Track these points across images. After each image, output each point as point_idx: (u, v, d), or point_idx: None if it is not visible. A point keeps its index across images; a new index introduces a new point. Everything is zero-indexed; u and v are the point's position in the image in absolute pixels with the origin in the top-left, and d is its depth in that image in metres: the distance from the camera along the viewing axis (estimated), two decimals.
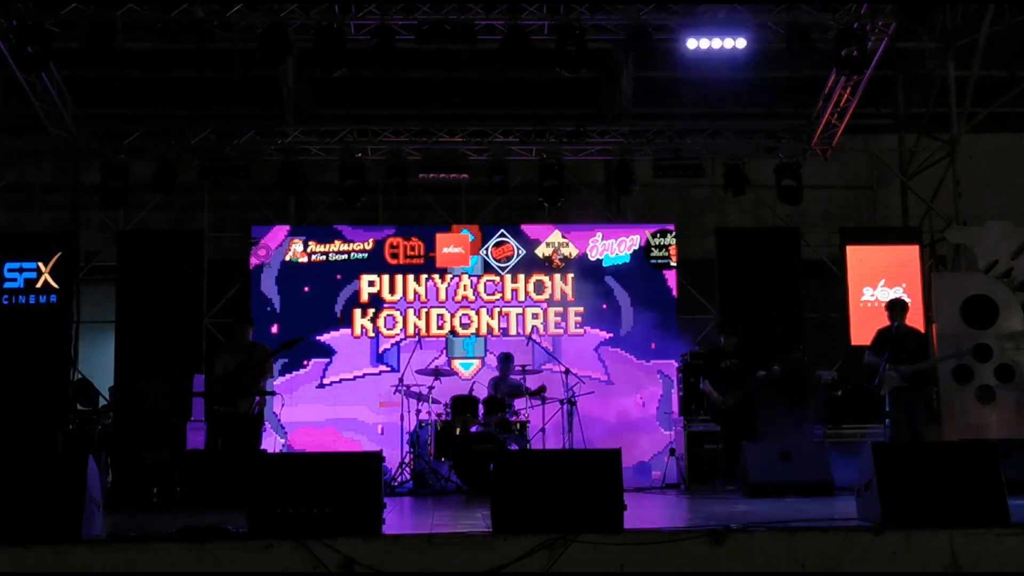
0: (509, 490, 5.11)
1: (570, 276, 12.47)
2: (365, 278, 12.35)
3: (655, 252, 12.54)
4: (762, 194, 13.02)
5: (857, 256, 12.64)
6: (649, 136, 12.82)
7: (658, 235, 12.60)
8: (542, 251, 12.50)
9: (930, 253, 13.27)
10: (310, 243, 12.40)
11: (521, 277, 12.46)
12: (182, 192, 12.60)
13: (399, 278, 12.38)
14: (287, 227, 12.71)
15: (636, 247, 12.53)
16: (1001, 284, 11.56)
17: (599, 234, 12.58)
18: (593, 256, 12.51)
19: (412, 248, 12.46)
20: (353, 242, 12.41)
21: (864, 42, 10.81)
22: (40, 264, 11.96)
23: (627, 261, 12.51)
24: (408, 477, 10.10)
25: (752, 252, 12.54)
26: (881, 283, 12.41)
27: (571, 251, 12.52)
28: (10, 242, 12.15)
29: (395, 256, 12.43)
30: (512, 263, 12.44)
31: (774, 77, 13.03)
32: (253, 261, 12.33)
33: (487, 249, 12.42)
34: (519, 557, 4.72)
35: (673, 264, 12.52)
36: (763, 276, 12.37)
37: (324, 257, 12.37)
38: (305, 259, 12.36)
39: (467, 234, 12.52)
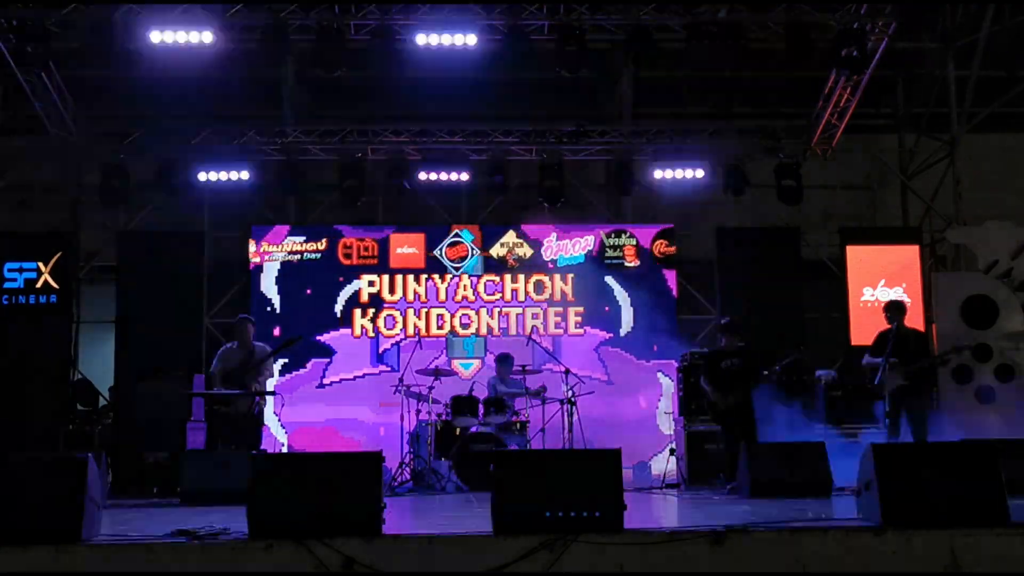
0: (509, 490, 5.11)
1: (570, 276, 12.48)
2: (365, 278, 12.36)
3: (609, 252, 12.55)
4: (762, 194, 13.02)
5: (857, 256, 12.63)
6: (649, 136, 12.83)
7: (612, 235, 12.62)
8: (496, 251, 12.50)
9: (930, 253, 13.27)
10: (263, 243, 12.38)
11: (521, 277, 12.46)
12: (182, 192, 12.60)
13: (399, 278, 12.38)
14: (287, 227, 12.72)
15: (590, 247, 12.54)
16: (1001, 284, 11.56)
17: (553, 234, 12.60)
18: (547, 256, 12.52)
19: (366, 248, 12.45)
20: (307, 242, 12.40)
21: (864, 42, 10.80)
22: (40, 264, 11.96)
23: (581, 261, 12.51)
24: (408, 477, 10.10)
25: (752, 252, 12.54)
26: (881, 283, 12.41)
27: (525, 251, 12.52)
28: (10, 242, 12.15)
29: (348, 256, 12.43)
30: (466, 263, 12.43)
31: (774, 77, 13.04)
32: (253, 261, 12.34)
33: (441, 249, 12.42)
34: (519, 557, 4.72)
35: (628, 264, 12.50)
36: (763, 276, 12.36)
37: (280, 255, 12.35)
38: (258, 259, 12.35)
39: (423, 234, 12.52)
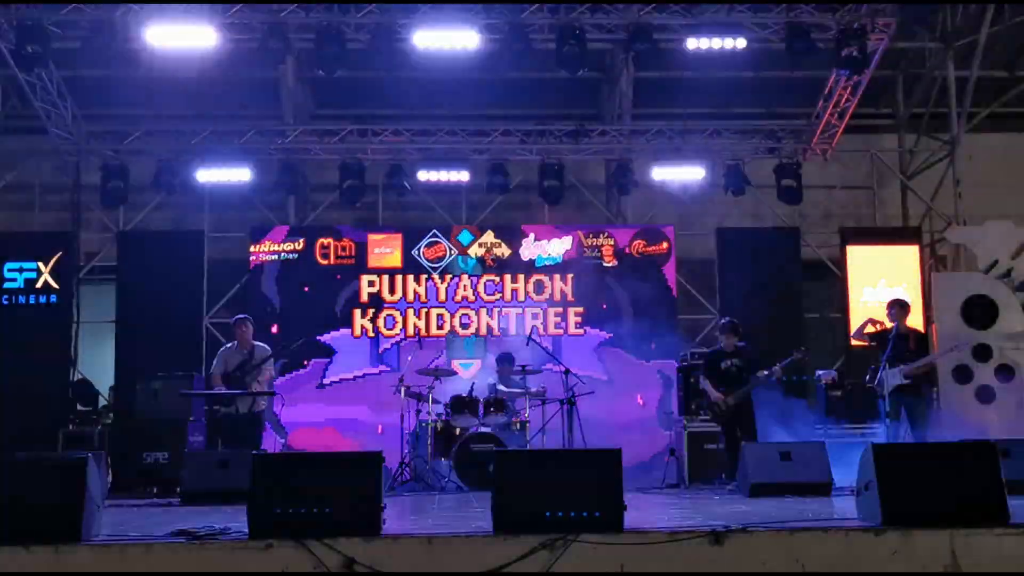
0: (509, 490, 5.11)
1: (570, 276, 12.47)
2: (365, 278, 12.36)
3: (587, 252, 12.54)
4: (762, 194, 13.02)
5: (857, 256, 12.64)
6: (649, 136, 12.82)
7: (590, 235, 12.61)
8: (474, 251, 12.49)
9: (930, 253, 13.26)
10: (262, 243, 12.35)
11: (521, 277, 12.46)
12: (182, 192, 12.60)
13: (399, 278, 12.37)
14: (287, 227, 12.72)
15: (568, 247, 12.53)
16: (1001, 284, 11.56)
17: (532, 234, 12.59)
18: (525, 256, 12.51)
19: (343, 248, 12.41)
20: (284, 242, 12.37)
21: (864, 42, 10.81)
22: (40, 264, 11.96)
23: (558, 261, 12.50)
24: (408, 477, 10.09)
25: (752, 252, 12.53)
26: (881, 283, 12.41)
27: (503, 251, 12.50)
28: (10, 242, 12.15)
29: (326, 256, 12.39)
30: (444, 263, 12.41)
31: (774, 77, 13.04)
32: (252, 261, 12.34)
33: (419, 250, 12.40)
34: (519, 557, 4.71)
35: (606, 264, 12.49)
36: (763, 276, 12.36)
37: (255, 257, 12.33)
38: (258, 259, 12.32)
39: (400, 235, 12.49)
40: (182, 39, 10.58)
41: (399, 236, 12.50)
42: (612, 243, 12.55)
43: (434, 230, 12.57)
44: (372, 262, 12.40)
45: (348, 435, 11.86)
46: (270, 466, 5.29)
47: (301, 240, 12.40)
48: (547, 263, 12.50)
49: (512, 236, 12.57)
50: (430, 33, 10.62)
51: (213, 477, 7.93)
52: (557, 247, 12.53)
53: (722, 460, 9.58)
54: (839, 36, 10.79)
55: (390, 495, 7.42)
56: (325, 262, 12.37)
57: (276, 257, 12.35)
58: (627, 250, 12.53)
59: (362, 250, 12.41)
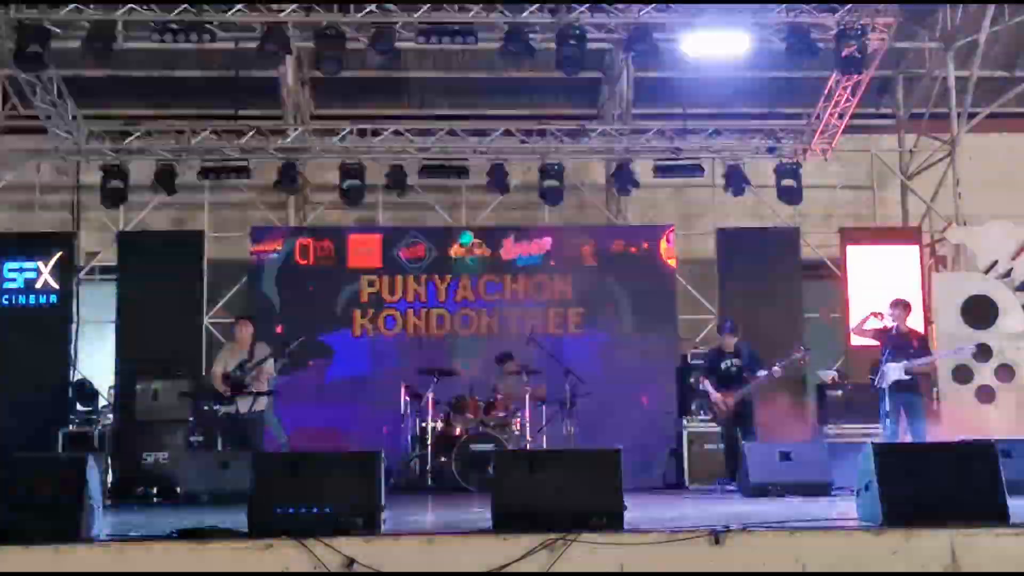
0: (509, 490, 5.11)
1: (570, 276, 12.45)
2: (365, 278, 12.34)
3: (567, 252, 12.53)
4: (762, 194, 13.02)
5: (857, 256, 12.63)
6: (649, 136, 12.82)
7: (570, 236, 12.62)
8: (455, 251, 12.48)
9: (930, 253, 13.26)
10: (263, 243, 12.33)
11: (521, 277, 12.45)
12: (182, 192, 12.60)
13: (399, 278, 12.36)
14: (287, 227, 12.71)
15: (547, 248, 12.54)
16: (1001, 284, 11.57)
17: (512, 235, 12.58)
18: (506, 256, 12.49)
19: (322, 249, 12.39)
20: (262, 242, 12.34)
21: (864, 42, 10.80)
22: (40, 264, 11.95)
23: (538, 262, 12.50)
24: (408, 477, 10.10)
25: (752, 252, 12.52)
26: (881, 283, 12.39)
27: (484, 251, 12.50)
28: (10, 242, 12.15)
29: (305, 257, 12.36)
30: (424, 264, 12.40)
31: (774, 77, 13.03)
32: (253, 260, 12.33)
33: (398, 250, 12.38)
34: (519, 557, 4.71)
35: (586, 264, 12.48)
36: (763, 276, 12.35)
37: (255, 258, 12.31)
38: (258, 259, 12.30)
39: (379, 235, 12.48)
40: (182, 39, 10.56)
41: (378, 236, 12.50)
42: (592, 243, 12.54)
43: (411, 230, 12.58)
44: (352, 262, 12.38)
45: (348, 435, 11.85)
46: (270, 466, 5.30)
47: (280, 240, 12.38)
48: (528, 263, 12.49)
49: (492, 236, 12.56)
50: (430, 33, 10.60)
51: (213, 477, 7.95)
52: (537, 247, 12.52)
53: (722, 460, 9.59)
54: (839, 36, 10.78)
55: (390, 495, 7.43)
56: (304, 262, 12.33)
57: (272, 257, 12.34)
58: (607, 250, 12.52)
59: (342, 250, 12.38)
